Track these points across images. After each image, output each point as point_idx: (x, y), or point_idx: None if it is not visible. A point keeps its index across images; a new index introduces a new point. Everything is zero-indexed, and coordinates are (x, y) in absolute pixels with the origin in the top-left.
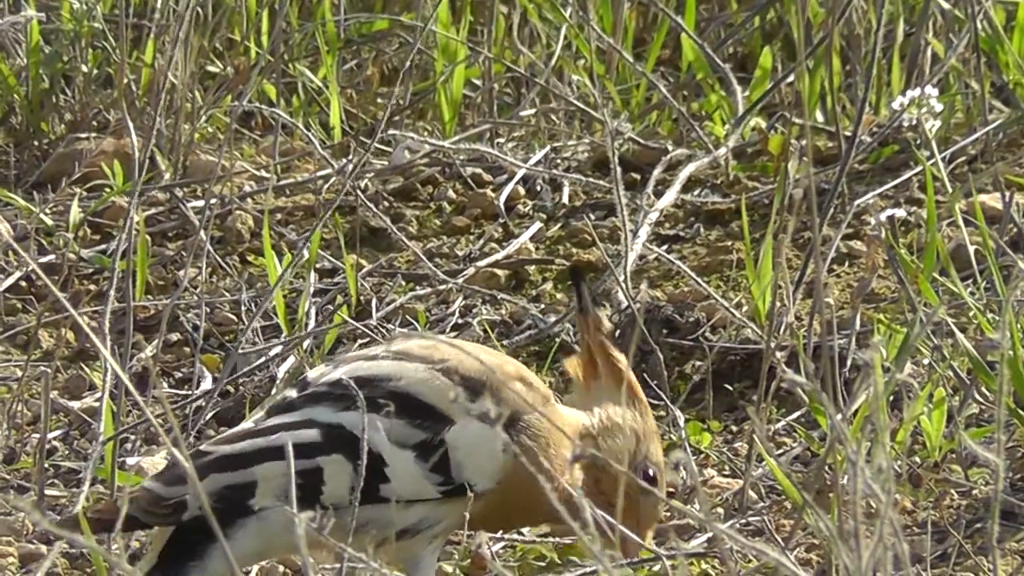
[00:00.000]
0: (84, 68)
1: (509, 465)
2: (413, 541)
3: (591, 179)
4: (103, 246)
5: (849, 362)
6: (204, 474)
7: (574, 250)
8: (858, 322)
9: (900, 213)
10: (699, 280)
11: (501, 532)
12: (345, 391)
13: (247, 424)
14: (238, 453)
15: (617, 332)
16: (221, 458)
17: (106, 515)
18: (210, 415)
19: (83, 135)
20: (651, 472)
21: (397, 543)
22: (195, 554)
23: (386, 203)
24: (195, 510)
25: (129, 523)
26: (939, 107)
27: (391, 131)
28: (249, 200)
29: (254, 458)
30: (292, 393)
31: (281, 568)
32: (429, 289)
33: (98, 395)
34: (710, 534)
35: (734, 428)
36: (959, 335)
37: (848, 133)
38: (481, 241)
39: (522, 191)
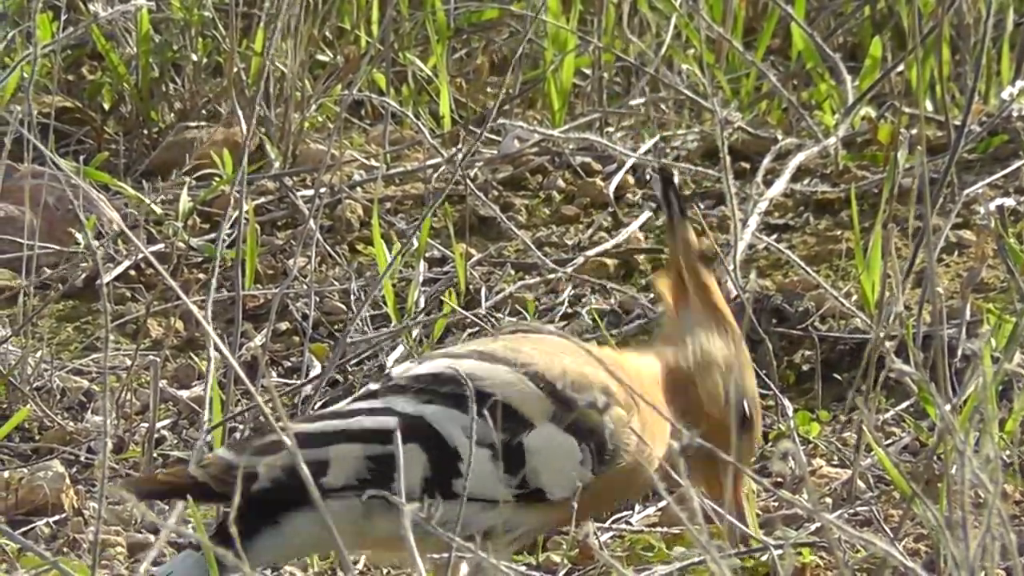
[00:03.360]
0: (194, 57)
1: (588, 477)
2: (490, 544)
3: (700, 168)
4: (212, 235)
5: (959, 352)
6: (279, 448)
7: None
8: (967, 312)
9: (1009, 202)
10: (808, 269)
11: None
12: (426, 386)
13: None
14: (313, 432)
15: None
16: (296, 436)
17: (176, 478)
18: (319, 405)
19: (192, 124)
20: (746, 409)
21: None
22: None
23: (495, 192)
24: (265, 482)
25: (200, 491)
26: None
27: (501, 120)
28: (359, 189)
29: (329, 438)
30: (375, 385)
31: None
32: (538, 278)
33: (207, 384)
34: (818, 524)
35: (843, 418)
36: None
37: (957, 122)
38: (590, 230)
39: (631, 180)
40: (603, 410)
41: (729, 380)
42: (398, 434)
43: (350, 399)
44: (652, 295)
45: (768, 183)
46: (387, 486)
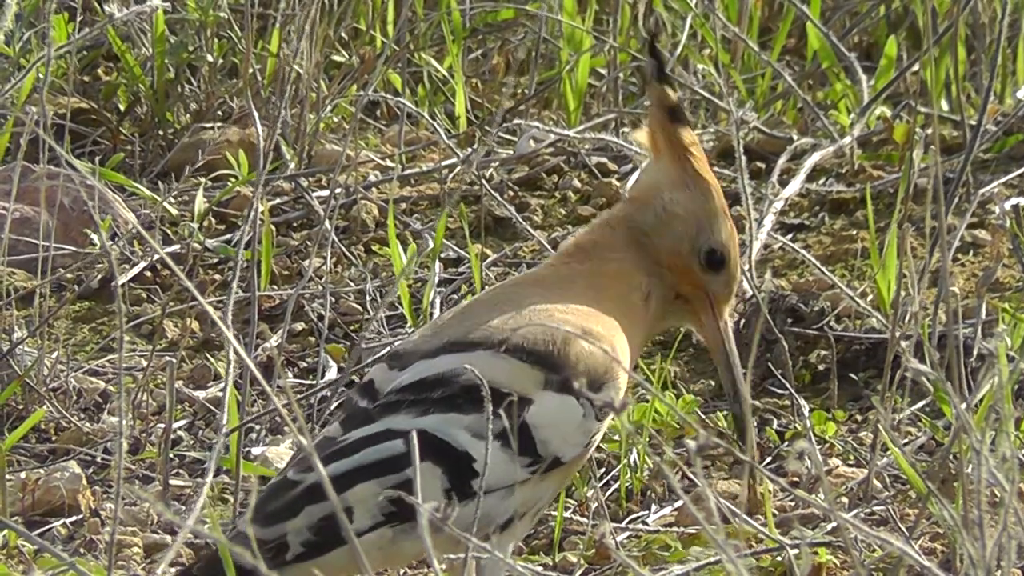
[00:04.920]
0: (209, 58)
1: (594, 427)
2: (518, 527)
3: (716, 168)
4: (228, 236)
5: (974, 351)
6: (298, 508)
7: None
8: (983, 311)
9: None
10: (824, 269)
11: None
12: (419, 396)
13: (328, 432)
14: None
15: (742, 321)
16: (312, 488)
17: (209, 565)
18: (335, 405)
19: (208, 125)
20: (716, 252)
21: (501, 534)
22: None
23: (511, 192)
24: (298, 548)
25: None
26: None
27: (516, 120)
28: (374, 189)
29: (344, 483)
30: (363, 402)
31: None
32: None
33: (223, 385)
34: (834, 523)
35: (859, 417)
36: None
37: (973, 122)
38: None
39: None
40: (621, 409)
41: (692, 231)
42: (414, 439)
43: (342, 419)
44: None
45: (783, 183)
46: (413, 512)
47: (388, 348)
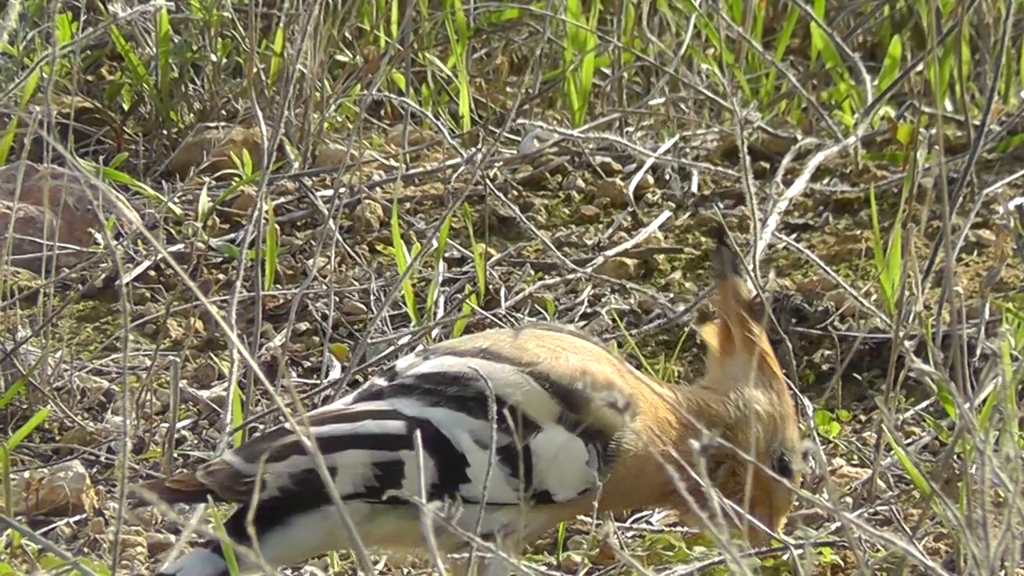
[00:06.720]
0: (213, 57)
1: (594, 477)
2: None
3: (720, 168)
4: (232, 235)
5: (978, 351)
6: (286, 454)
7: (703, 239)
8: (987, 311)
9: None
10: (828, 269)
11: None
12: (434, 386)
13: (336, 405)
14: (321, 436)
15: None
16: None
17: (185, 486)
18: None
19: (212, 124)
20: (786, 460)
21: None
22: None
23: (515, 192)
24: (273, 491)
25: (205, 497)
26: None
27: (520, 120)
28: (378, 189)
29: (336, 444)
30: (381, 381)
31: (409, 558)
32: (558, 278)
33: (227, 384)
34: (838, 523)
35: (863, 417)
36: None
37: (977, 122)
38: (610, 230)
39: (651, 180)
40: (623, 409)
41: (768, 431)
42: (418, 437)
43: (356, 394)
44: (672, 297)
45: (788, 183)
46: (396, 494)
47: (392, 347)
